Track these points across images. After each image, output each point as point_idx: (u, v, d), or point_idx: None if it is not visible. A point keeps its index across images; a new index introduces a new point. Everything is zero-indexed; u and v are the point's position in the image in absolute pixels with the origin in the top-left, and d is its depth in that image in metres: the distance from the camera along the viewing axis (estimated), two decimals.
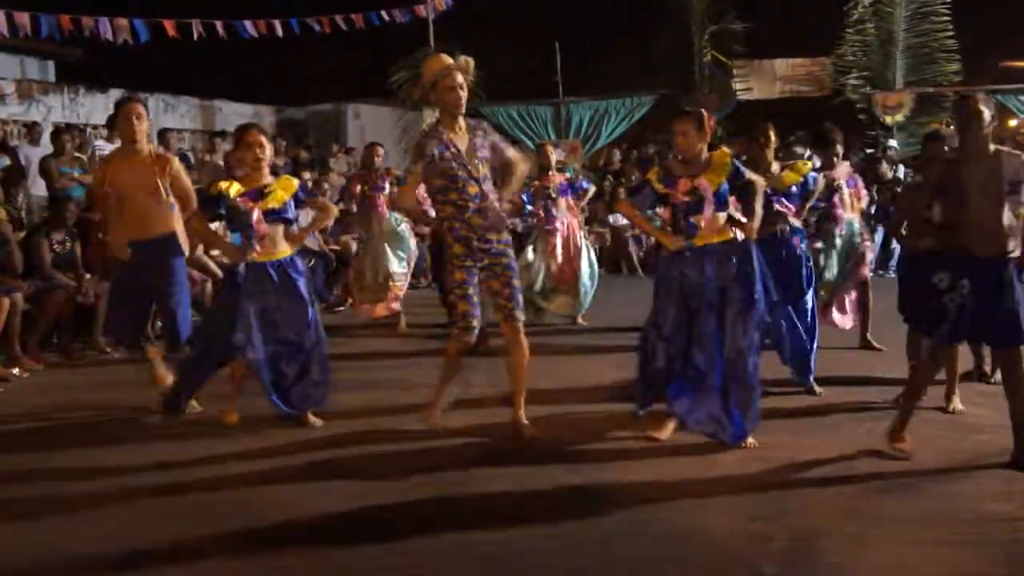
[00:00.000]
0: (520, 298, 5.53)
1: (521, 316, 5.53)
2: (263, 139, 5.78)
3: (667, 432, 5.34)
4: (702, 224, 5.22)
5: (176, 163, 6.34)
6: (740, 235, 5.29)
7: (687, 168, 5.29)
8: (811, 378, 6.49)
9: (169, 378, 6.22)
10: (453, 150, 5.32)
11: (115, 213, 6.23)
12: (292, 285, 5.72)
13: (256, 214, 5.61)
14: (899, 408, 5.18)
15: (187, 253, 6.45)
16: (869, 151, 15.29)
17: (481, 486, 4.66)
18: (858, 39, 17.01)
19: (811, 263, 6.69)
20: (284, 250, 5.76)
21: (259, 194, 5.68)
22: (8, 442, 5.61)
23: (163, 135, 12.92)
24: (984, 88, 15.54)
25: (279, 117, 17.98)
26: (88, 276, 8.21)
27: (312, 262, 10.06)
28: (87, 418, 6.10)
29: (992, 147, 4.89)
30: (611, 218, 14.52)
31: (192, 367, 5.80)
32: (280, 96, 18.82)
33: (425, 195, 6.24)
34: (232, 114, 16.55)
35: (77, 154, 10.47)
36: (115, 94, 14.06)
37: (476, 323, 5.43)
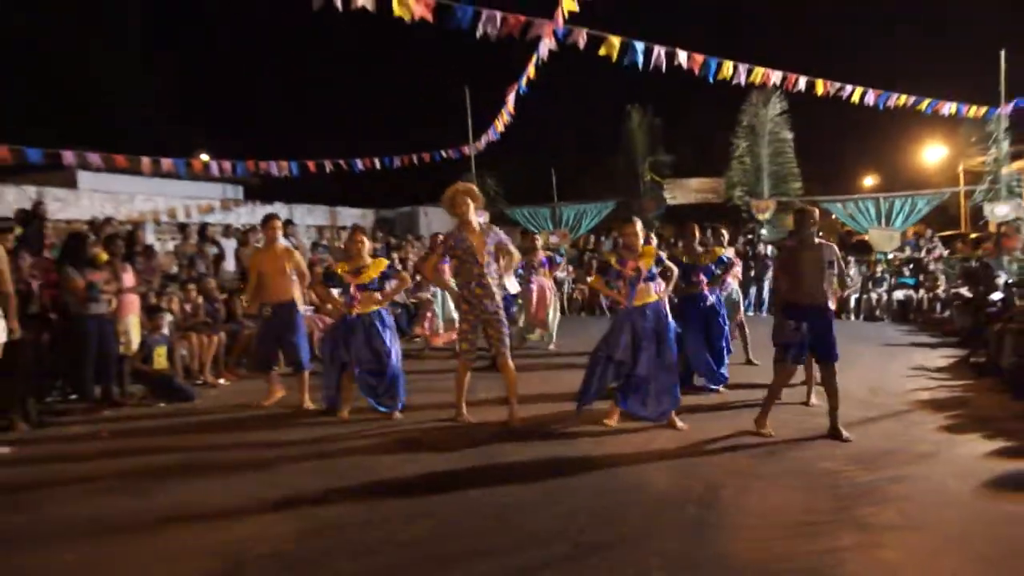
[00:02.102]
0: (507, 339, 5.46)
1: (506, 351, 5.44)
2: (364, 237, 5.86)
3: (614, 421, 5.32)
4: (640, 289, 5.28)
5: (297, 254, 6.35)
6: (661, 296, 5.39)
7: (631, 254, 5.36)
8: (721, 385, 6.45)
9: (280, 391, 6.35)
10: (465, 245, 5.36)
11: (259, 285, 6.25)
12: (377, 329, 5.67)
13: (353, 286, 5.69)
14: (764, 403, 5.16)
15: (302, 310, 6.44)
16: (749, 237, 15.45)
17: (499, 456, 4.66)
18: (740, 167, 17.10)
19: (724, 311, 6.64)
20: (374, 307, 5.74)
21: (358, 272, 5.73)
22: (219, 424, 5.80)
23: (309, 229, 13.34)
24: (814, 198, 15.74)
25: (377, 216, 18.13)
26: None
27: (399, 310, 10.22)
28: (268, 411, 6.20)
29: (817, 240, 4.99)
30: (588, 279, 14.43)
31: (326, 377, 5.87)
32: (378, 202, 19.02)
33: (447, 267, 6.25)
34: (348, 216, 16.71)
35: (256, 245, 10.74)
36: (278, 205, 14.45)
37: (472, 354, 5.46)
